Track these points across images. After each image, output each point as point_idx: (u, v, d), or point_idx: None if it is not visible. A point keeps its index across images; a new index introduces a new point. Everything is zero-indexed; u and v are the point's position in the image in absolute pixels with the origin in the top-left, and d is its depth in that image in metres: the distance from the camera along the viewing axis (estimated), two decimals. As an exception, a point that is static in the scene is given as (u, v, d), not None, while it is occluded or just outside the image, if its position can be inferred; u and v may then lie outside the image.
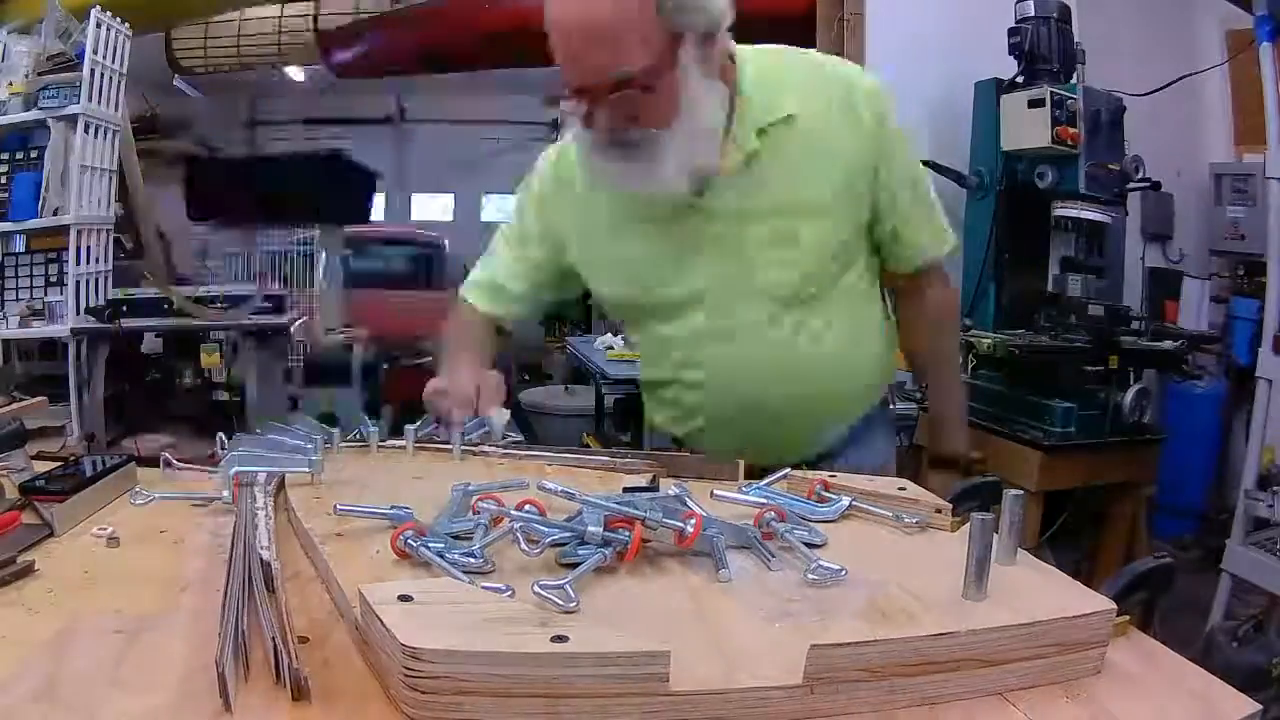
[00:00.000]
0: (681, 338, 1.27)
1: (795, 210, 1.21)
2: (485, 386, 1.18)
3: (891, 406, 1.51)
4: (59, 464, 1.00)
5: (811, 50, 1.31)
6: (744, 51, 1.22)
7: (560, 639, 0.54)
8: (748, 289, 1.22)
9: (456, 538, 0.79)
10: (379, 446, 1.16)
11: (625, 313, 1.39)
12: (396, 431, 1.18)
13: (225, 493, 0.90)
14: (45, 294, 3.28)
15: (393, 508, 0.82)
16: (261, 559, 0.70)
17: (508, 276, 1.38)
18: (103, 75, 3.29)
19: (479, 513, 0.82)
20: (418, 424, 1.16)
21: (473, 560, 0.73)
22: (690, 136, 1.13)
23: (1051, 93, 2.48)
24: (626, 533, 0.75)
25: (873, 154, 1.23)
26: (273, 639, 0.57)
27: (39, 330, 3.23)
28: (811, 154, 1.21)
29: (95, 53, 3.23)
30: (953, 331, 1.52)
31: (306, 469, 0.96)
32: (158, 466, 1.05)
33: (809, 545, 0.79)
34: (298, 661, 0.55)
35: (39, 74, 3.25)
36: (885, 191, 1.25)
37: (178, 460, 1.05)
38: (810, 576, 0.73)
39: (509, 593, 0.65)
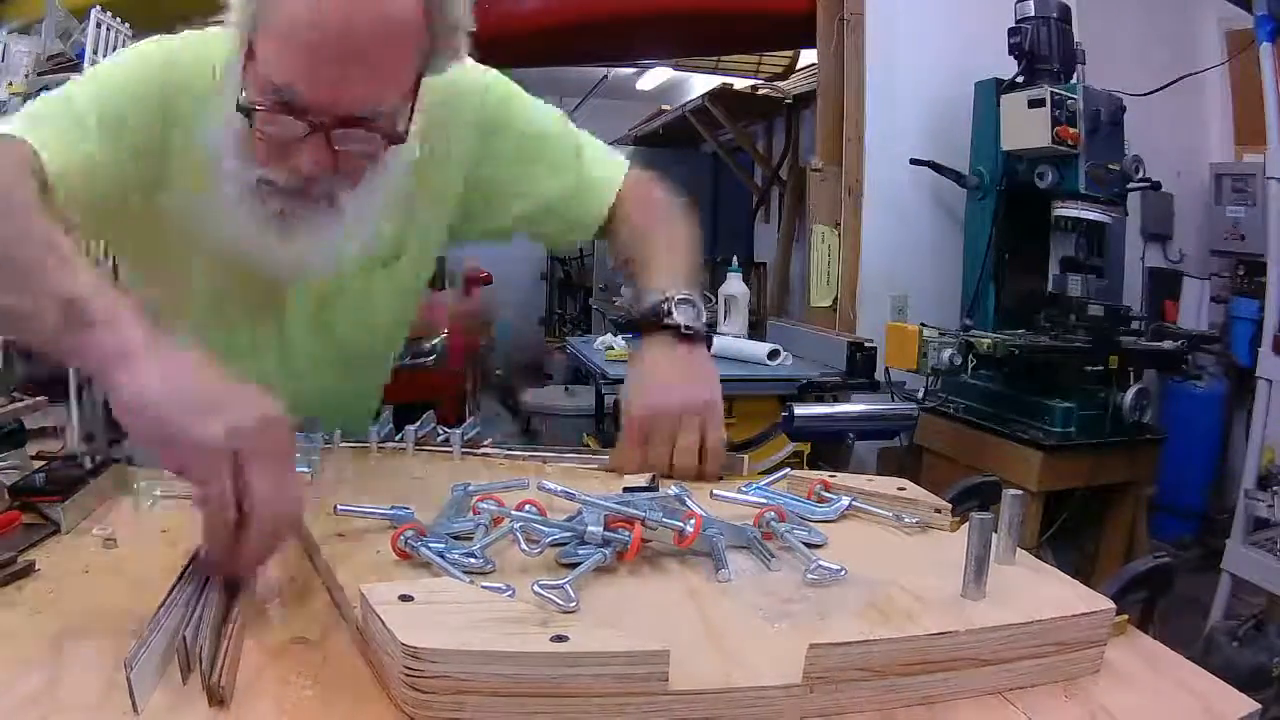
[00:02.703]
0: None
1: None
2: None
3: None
4: (49, 462, 0.99)
5: None
6: None
7: (560, 639, 0.54)
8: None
9: (457, 538, 0.79)
10: (379, 446, 1.16)
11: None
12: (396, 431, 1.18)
13: None
14: (45, 294, 3.28)
15: (393, 508, 0.82)
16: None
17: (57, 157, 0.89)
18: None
19: (479, 513, 0.82)
20: (418, 424, 1.16)
21: (473, 560, 0.73)
22: (376, 198, 0.95)
23: (1051, 93, 2.49)
24: (626, 533, 0.75)
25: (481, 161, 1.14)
26: (200, 645, 0.56)
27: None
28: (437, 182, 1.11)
29: (95, 53, 3.23)
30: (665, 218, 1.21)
31: (305, 469, 0.96)
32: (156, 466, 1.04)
33: (809, 545, 0.79)
34: (221, 670, 0.55)
35: (39, 74, 3.26)
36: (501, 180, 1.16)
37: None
38: (810, 576, 0.73)
39: (510, 592, 0.66)
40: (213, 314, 1.09)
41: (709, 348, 1.06)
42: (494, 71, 1.17)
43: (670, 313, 1.03)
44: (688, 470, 1.00)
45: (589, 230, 1.24)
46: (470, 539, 0.77)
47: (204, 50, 0.99)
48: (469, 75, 1.11)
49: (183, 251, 1.03)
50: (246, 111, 0.86)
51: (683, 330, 1.03)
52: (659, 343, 1.04)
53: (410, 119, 0.92)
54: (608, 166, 1.23)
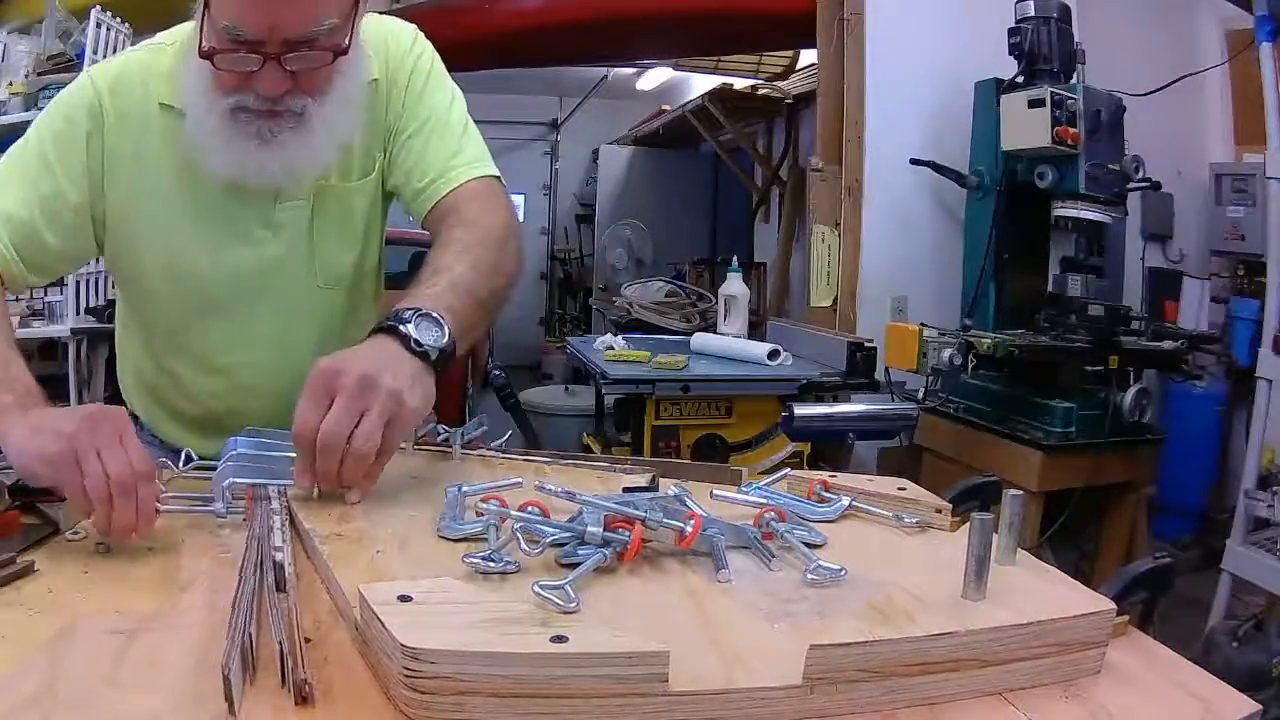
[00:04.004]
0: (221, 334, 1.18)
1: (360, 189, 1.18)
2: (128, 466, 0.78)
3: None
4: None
5: None
6: None
7: (560, 639, 0.54)
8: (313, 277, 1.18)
9: (467, 540, 0.79)
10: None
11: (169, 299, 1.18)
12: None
13: (218, 504, 0.86)
14: (45, 294, 3.28)
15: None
16: (274, 560, 0.70)
17: (21, 208, 1.06)
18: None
19: (483, 514, 0.82)
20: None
21: (492, 565, 0.73)
22: (345, 103, 1.04)
23: (1051, 93, 2.48)
24: (626, 533, 0.75)
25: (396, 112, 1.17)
26: (279, 643, 0.57)
27: (39, 330, 3.23)
28: (387, 122, 1.16)
29: (95, 53, 3.23)
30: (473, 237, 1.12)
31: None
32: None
33: (809, 545, 0.79)
34: (303, 667, 0.55)
35: (39, 74, 3.26)
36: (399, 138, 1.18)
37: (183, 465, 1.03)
38: (810, 576, 0.73)
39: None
40: (212, 260, 1.15)
41: (437, 375, 0.93)
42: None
43: (407, 321, 0.93)
44: (360, 456, 0.86)
45: (418, 214, 1.21)
46: (481, 540, 0.77)
47: (150, 58, 1.13)
48: (394, 20, 1.22)
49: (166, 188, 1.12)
50: (208, 56, 0.98)
51: (412, 344, 0.92)
52: (380, 340, 0.93)
53: (353, 32, 1.01)
54: (472, 162, 1.19)
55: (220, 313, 1.18)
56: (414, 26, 1.23)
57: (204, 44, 0.98)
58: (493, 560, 0.73)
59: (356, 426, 0.86)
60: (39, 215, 1.07)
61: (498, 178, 1.21)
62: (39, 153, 1.09)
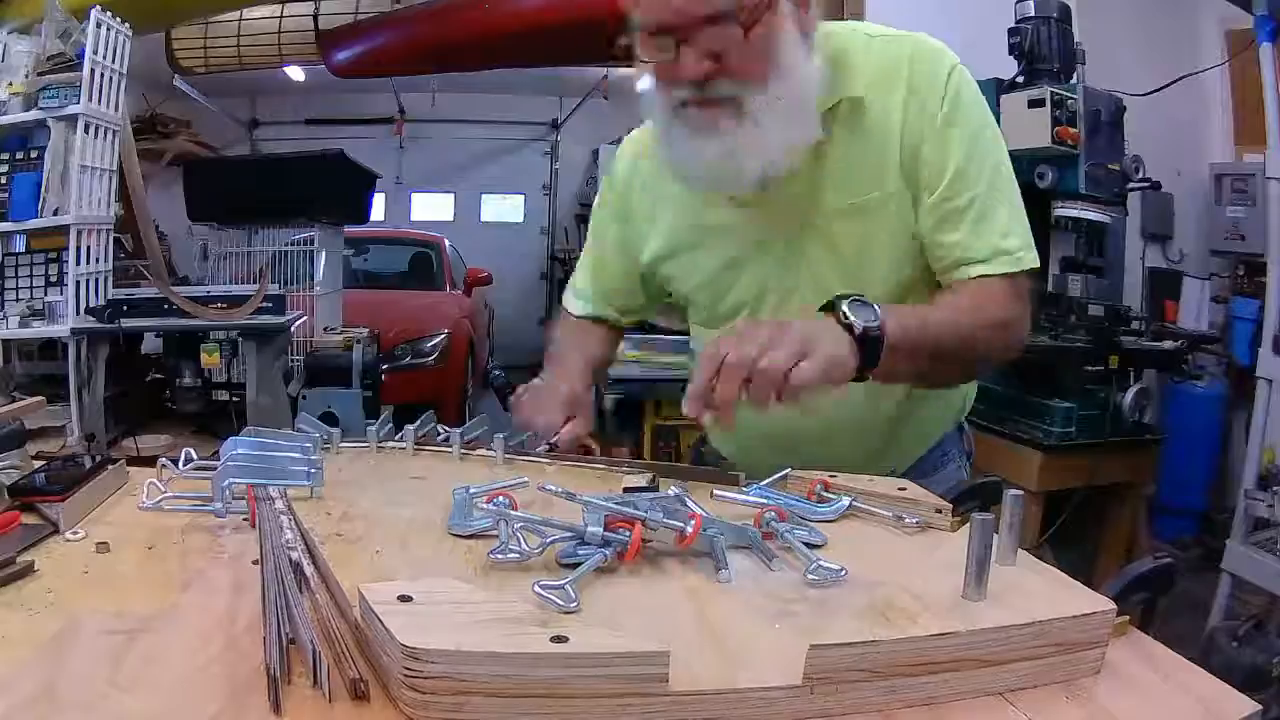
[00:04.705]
0: None
1: (862, 211, 1.07)
2: (572, 404, 1.15)
3: (964, 430, 1.30)
4: (49, 462, 0.99)
5: (863, 23, 1.18)
6: None
7: (560, 639, 0.54)
8: (809, 297, 1.04)
9: (475, 536, 0.80)
10: (379, 446, 1.16)
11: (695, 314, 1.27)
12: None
13: (218, 504, 0.86)
14: (45, 294, 3.28)
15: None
16: (290, 559, 0.70)
17: (595, 282, 1.36)
18: (103, 75, 3.28)
19: (484, 513, 0.83)
20: (417, 423, 1.16)
21: (513, 553, 0.74)
22: (789, 102, 0.99)
23: (1051, 93, 2.49)
24: (626, 533, 0.75)
25: (918, 132, 1.05)
26: (311, 643, 0.57)
27: (39, 330, 3.22)
28: (879, 145, 1.05)
29: (95, 53, 3.22)
30: (977, 319, 1.04)
31: (305, 483, 0.93)
32: (153, 465, 1.04)
33: (809, 545, 0.79)
34: (354, 665, 0.56)
35: (39, 74, 3.25)
36: (926, 170, 1.05)
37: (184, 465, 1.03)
38: (810, 577, 0.73)
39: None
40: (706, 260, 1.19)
41: (872, 358, 0.91)
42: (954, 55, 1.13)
43: (843, 300, 0.92)
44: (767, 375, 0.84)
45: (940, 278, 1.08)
46: (492, 536, 0.79)
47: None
48: (928, 45, 1.13)
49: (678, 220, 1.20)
50: (630, 54, 1.01)
51: (841, 314, 0.91)
52: (818, 320, 0.92)
53: (771, 8, 0.97)
54: (1011, 242, 1.05)
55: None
56: (950, 53, 1.12)
57: (636, 47, 1.00)
58: (513, 551, 0.74)
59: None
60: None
61: (1029, 272, 1.07)
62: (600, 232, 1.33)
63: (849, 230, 1.08)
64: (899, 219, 1.07)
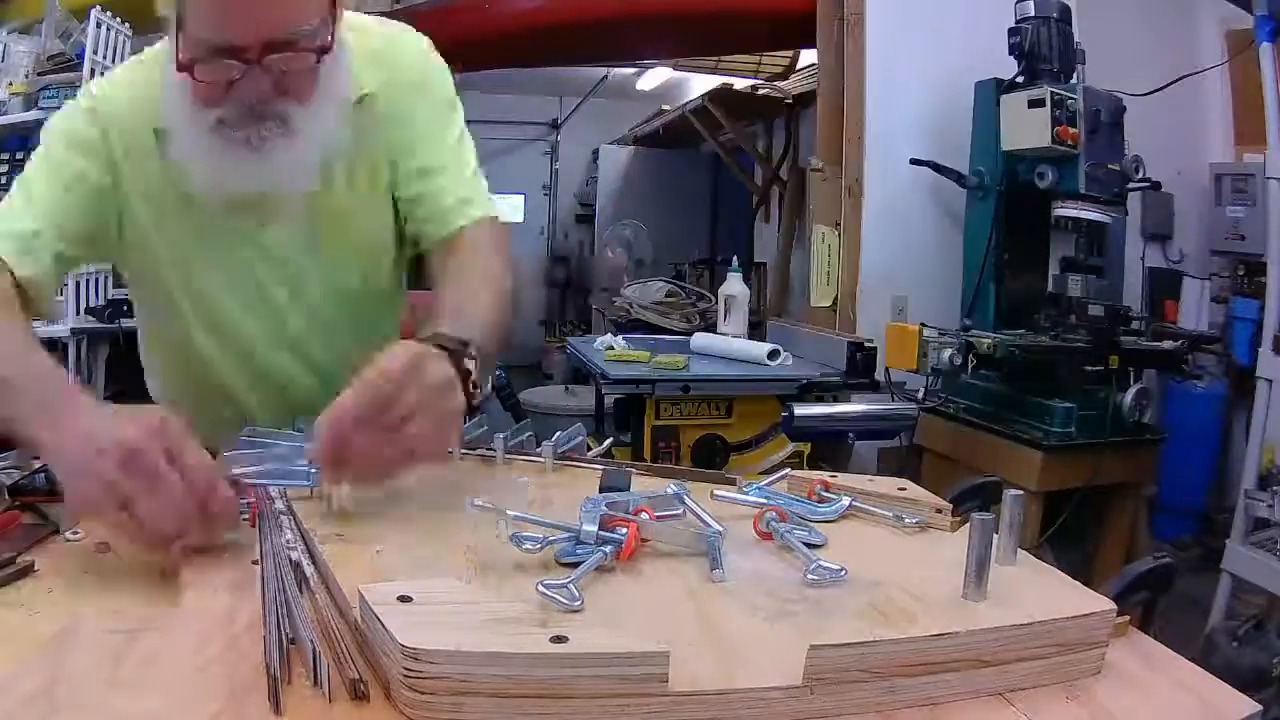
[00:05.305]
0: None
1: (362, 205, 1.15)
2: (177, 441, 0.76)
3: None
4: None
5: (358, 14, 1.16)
6: None
7: (560, 639, 0.54)
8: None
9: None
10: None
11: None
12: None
13: None
14: (45, 294, 3.28)
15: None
16: (290, 559, 0.70)
17: (43, 220, 1.06)
18: (102, 75, 3.29)
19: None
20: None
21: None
22: (333, 110, 1.02)
23: (1051, 93, 2.48)
24: (623, 530, 0.75)
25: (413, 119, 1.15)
26: (312, 642, 0.57)
27: (39, 330, 3.22)
28: (390, 141, 1.14)
29: (95, 53, 3.22)
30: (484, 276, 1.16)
31: (306, 483, 0.93)
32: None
33: (809, 545, 0.79)
34: (354, 666, 0.56)
35: (39, 74, 3.26)
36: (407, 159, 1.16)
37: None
38: (810, 576, 0.73)
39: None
40: (218, 271, 1.16)
41: (470, 413, 0.97)
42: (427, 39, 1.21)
43: (466, 351, 0.94)
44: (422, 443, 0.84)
45: (429, 239, 1.20)
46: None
47: (124, 77, 1.15)
48: (407, 34, 1.20)
49: (176, 231, 1.13)
50: (187, 69, 0.94)
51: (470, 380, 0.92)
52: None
53: (334, 31, 0.98)
54: (482, 194, 1.24)
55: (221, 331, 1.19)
56: (426, 40, 1.21)
57: (181, 57, 0.94)
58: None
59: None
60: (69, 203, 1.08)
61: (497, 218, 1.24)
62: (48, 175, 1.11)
63: (357, 223, 1.17)
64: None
